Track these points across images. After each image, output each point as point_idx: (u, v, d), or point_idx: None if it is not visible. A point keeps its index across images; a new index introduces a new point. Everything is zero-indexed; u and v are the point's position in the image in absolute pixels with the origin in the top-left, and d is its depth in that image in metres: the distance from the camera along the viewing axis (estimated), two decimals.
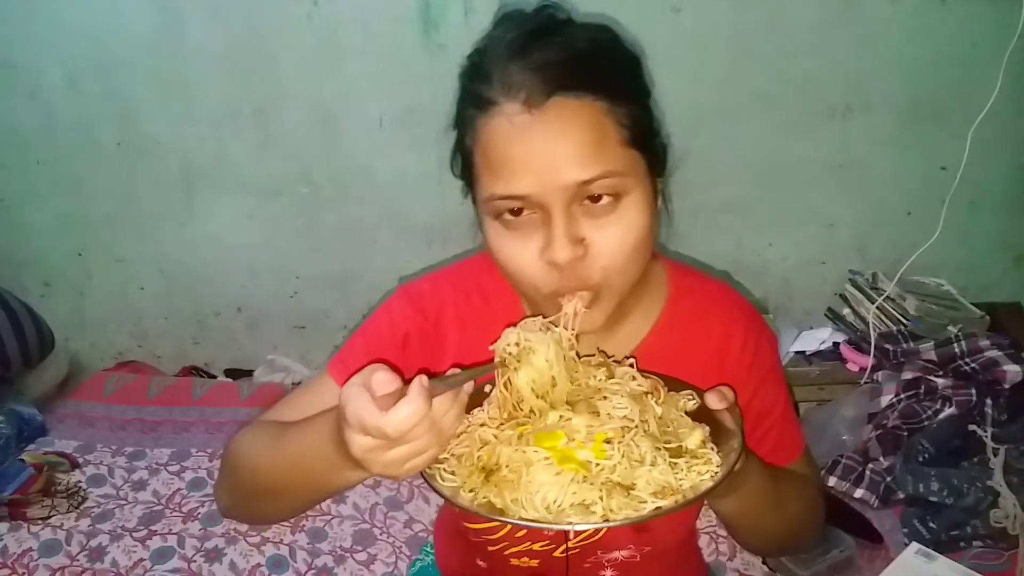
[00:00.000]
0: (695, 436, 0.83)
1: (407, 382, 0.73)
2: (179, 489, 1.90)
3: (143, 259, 2.50)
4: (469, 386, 0.80)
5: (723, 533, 1.74)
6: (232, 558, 1.70)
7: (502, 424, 0.86)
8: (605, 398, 0.85)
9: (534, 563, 1.10)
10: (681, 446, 0.83)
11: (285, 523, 1.77)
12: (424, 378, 0.73)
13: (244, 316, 2.57)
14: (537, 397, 0.84)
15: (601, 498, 0.75)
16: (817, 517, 1.16)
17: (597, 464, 0.78)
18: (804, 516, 1.11)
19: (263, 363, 2.50)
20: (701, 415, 0.88)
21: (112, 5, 2.16)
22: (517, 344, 0.84)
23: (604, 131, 0.83)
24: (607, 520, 0.74)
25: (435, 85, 2.10)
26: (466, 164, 0.91)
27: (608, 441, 0.80)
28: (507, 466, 0.79)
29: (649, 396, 0.88)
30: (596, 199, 0.85)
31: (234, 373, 2.58)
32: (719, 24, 2.11)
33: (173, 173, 2.36)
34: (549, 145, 0.82)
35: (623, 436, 0.80)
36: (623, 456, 0.78)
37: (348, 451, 0.75)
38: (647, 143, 0.89)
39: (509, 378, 0.85)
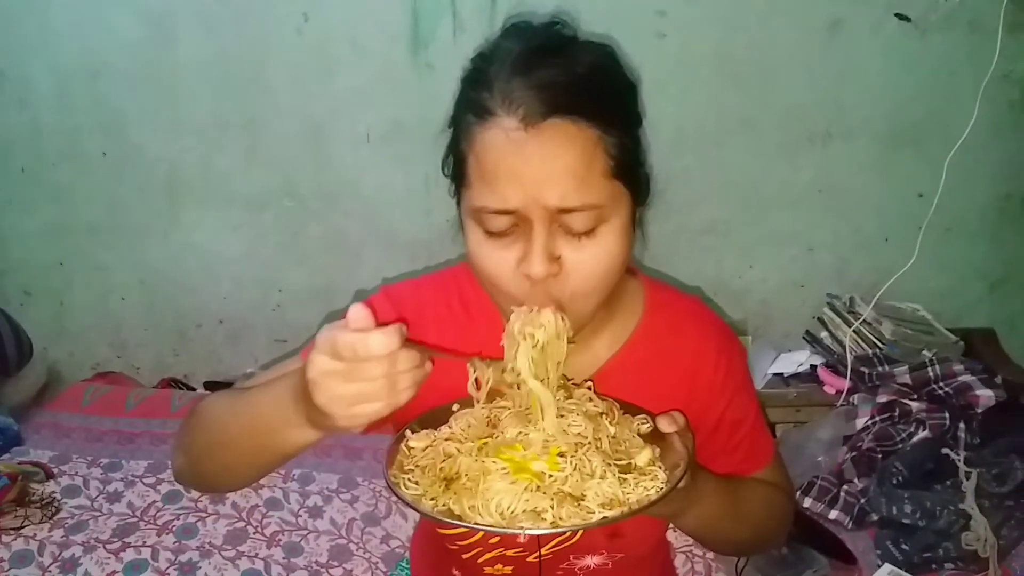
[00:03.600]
0: (644, 455, 0.88)
1: None
2: (154, 501, 1.89)
3: (125, 269, 2.50)
4: (429, 365, 0.80)
5: (699, 552, 1.75)
6: (206, 572, 1.69)
7: (466, 439, 0.90)
8: (562, 416, 0.89)
9: (508, 570, 1.11)
10: (631, 463, 0.87)
11: (261, 537, 1.77)
12: (403, 326, 0.75)
13: (225, 328, 2.57)
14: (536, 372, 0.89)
15: (552, 506, 0.79)
16: (785, 521, 1.18)
17: (550, 475, 0.82)
18: (769, 522, 1.14)
19: (242, 376, 2.49)
20: (654, 438, 0.92)
21: (103, 15, 2.18)
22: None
23: (592, 161, 0.85)
24: (555, 526, 0.78)
25: (422, 103, 2.13)
26: (458, 166, 0.92)
27: (562, 454, 0.84)
28: (466, 475, 0.84)
29: (604, 417, 0.93)
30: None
31: (214, 386, 2.57)
32: (704, 50, 2.15)
33: (158, 183, 2.37)
34: (540, 165, 0.83)
35: (576, 451, 0.85)
36: (575, 469, 0.83)
37: (305, 387, 0.76)
38: (632, 173, 0.90)
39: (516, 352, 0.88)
